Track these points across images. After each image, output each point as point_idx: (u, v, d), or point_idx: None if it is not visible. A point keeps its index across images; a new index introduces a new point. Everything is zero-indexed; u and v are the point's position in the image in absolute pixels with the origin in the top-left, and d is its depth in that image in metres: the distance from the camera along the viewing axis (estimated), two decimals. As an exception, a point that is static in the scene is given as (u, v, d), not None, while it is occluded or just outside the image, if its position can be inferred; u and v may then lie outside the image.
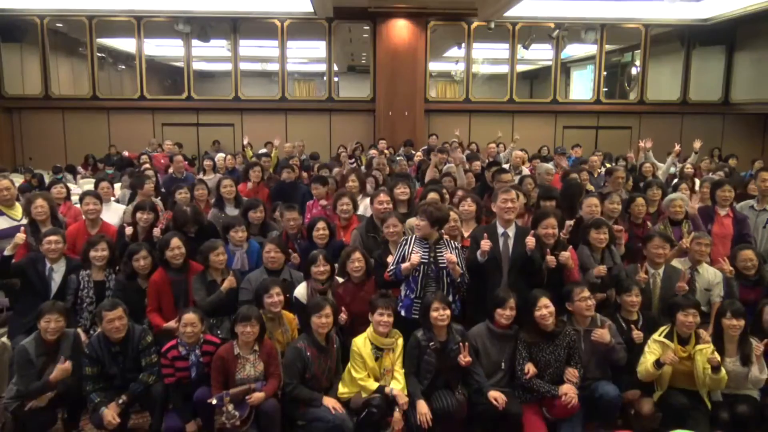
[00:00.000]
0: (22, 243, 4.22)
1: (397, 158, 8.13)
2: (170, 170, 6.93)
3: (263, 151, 9.49)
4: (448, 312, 3.59)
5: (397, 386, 3.56)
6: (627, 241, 4.84)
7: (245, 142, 9.57)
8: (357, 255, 4.02)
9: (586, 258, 4.25)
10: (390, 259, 4.07)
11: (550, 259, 3.97)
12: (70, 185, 9.33)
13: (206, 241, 4.48)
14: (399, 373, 3.62)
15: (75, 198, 7.32)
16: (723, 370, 3.52)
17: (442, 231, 4.03)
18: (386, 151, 8.51)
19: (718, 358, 3.50)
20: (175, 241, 4.16)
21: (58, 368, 3.41)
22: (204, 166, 7.77)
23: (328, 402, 3.56)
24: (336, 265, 4.17)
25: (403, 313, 3.90)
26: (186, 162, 8.35)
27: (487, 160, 7.35)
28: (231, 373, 3.55)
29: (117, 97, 12.26)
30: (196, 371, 3.58)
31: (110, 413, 3.40)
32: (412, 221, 4.42)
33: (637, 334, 3.77)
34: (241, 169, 7.54)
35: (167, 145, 9.37)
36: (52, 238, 4.15)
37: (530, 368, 3.61)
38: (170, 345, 3.61)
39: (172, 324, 3.91)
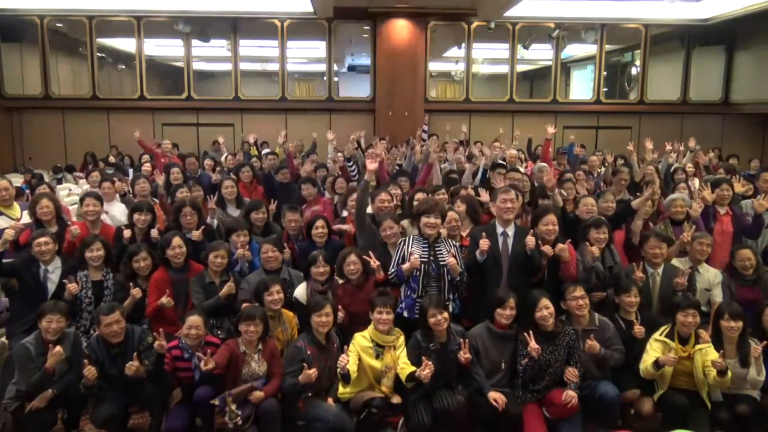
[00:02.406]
0: (12, 239, 4.19)
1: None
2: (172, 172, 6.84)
3: (266, 151, 9.46)
4: (445, 314, 3.59)
5: (405, 372, 3.54)
6: (626, 241, 4.85)
7: (251, 140, 9.54)
8: (353, 258, 4.02)
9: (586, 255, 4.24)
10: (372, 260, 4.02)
11: (547, 248, 3.98)
12: (71, 186, 9.38)
13: (207, 241, 4.51)
14: (405, 362, 3.60)
15: (75, 198, 7.34)
16: (729, 373, 3.52)
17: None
18: (384, 153, 8.46)
19: (725, 363, 3.49)
20: (177, 240, 4.17)
21: (50, 354, 3.40)
22: (204, 165, 7.76)
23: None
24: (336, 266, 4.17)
25: (405, 314, 3.91)
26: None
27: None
28: (237, 368, 3.55)
29: (117, 97, 12.24)
30: (199, 374, 3.56)
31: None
32: (406, 222, 4.45)
33: (638, 329, 3.78)
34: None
35: (166, 144, 9.36)
36: (41, 240, 4.11)
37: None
38: (173, 344, 3.61)
39: (163, 300, 3.93)
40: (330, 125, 11.59)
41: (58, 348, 3.43)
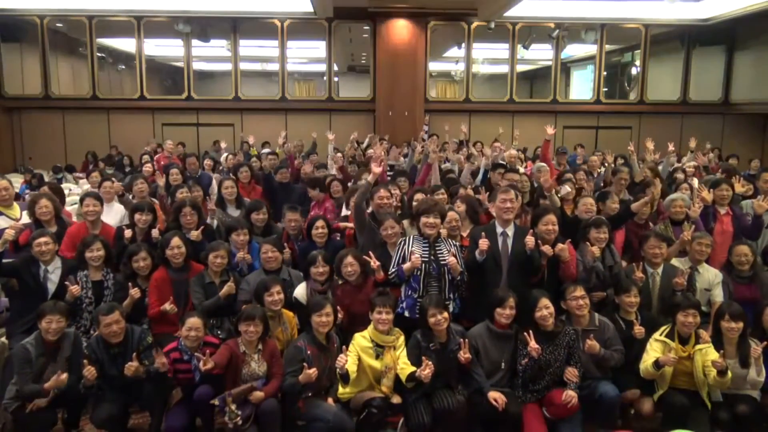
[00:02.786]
0: (12, 239, 4.18)
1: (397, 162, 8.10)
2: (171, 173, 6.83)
3: (266, 150, 9.47)
4: (445, 314, 3.60)
5: (405, 373, 3.54)
6: (627, 241, 4.85)
7: (251, 141, 9.55)
8: (350, 259, 4.01)
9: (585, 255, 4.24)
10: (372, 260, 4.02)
11: (546, 248, 3.99)
12: (71, 186, 9.38)
13: (206, 241, 4.50)
14: (405, 363, 3.60)
15: (75, 198, 7.34)
16: (729, 373, 3.52)
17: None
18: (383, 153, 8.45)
19: (725, 363, 3.49)
20: (176, 241, 4.17)
21: (54, 379, 3.37)
22: (204, 165, 7.77)
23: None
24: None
25: (406, 313, 3.91)
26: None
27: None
28: (237, 368, 3.55)
29: (117, 97, 12.25)
30: (199, 375, 3.55)
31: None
32: (406, 223, 4.46)
33: (639, 329, 3.78)
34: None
35: (169, 144, 9.37)
36: (41, 240, 4.10)
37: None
38: (171, 347, 3.60)
39: (166, 306, 3.92)
40: (330, 125, 11.60)
41: (63, 376, 3.38)
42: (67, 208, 6.10)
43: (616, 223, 4.68)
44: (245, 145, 9.94)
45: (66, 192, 8.56)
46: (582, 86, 14.13)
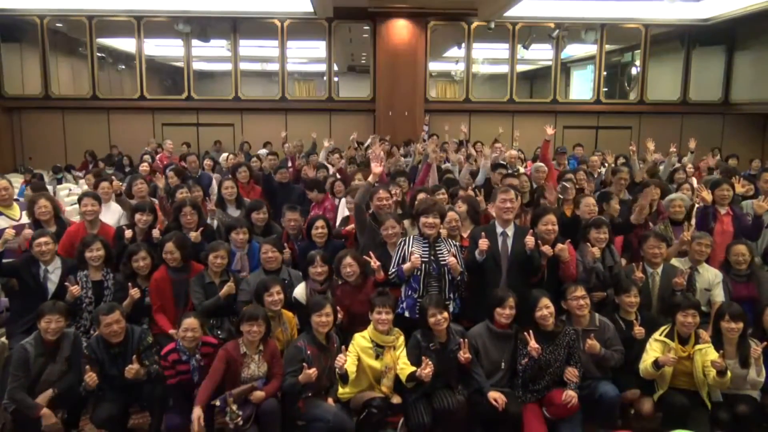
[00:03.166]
0: (12, 239, 4.18)
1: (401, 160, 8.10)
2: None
3: (263, 151, 9.47)
4: (445, 314, 3.60)
5: (405, 373, 3.54)
6: (626, 241, 4.85)
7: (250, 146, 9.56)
8: (348, 260, 4.01)
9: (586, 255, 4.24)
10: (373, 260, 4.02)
11: (546, 248, 3.99)
12: (71, 186, 9.39)
13: (206, 242, 4.50)
14: (405, 363, 3.60)
15: (75, 198, 7.34)
16: (729, 374, 3.51)
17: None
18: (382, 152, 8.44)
19: (724, 363, 3.49)
20: (169, 246, 4.16)
21: (49, 416, 3.38)
22: (204, 165, 7.77)
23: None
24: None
25: (407, 313, 3.91)
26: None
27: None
28: (236, 371, 3.54)
29: (117, 97, 12.26)
30: (198, 375, 3.56)
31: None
32: (407, 223, 4.46)
33: (638, 330, 3.78)
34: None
35: (168, 145, 9.37)
36: (41, 240, 4.11)
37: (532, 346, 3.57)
38: (169, 348, 3.60)
39: (173, 333, 3.89)
40: (330, 125, 11.61)
41: (53, 420, 3.40)
42: (67, 208, 6.10)
43: (616, 231, 4.67)
44: (245, 145, 9.93)
45: (66, 192, 8.60)
46: (582, 86, 14.13)
